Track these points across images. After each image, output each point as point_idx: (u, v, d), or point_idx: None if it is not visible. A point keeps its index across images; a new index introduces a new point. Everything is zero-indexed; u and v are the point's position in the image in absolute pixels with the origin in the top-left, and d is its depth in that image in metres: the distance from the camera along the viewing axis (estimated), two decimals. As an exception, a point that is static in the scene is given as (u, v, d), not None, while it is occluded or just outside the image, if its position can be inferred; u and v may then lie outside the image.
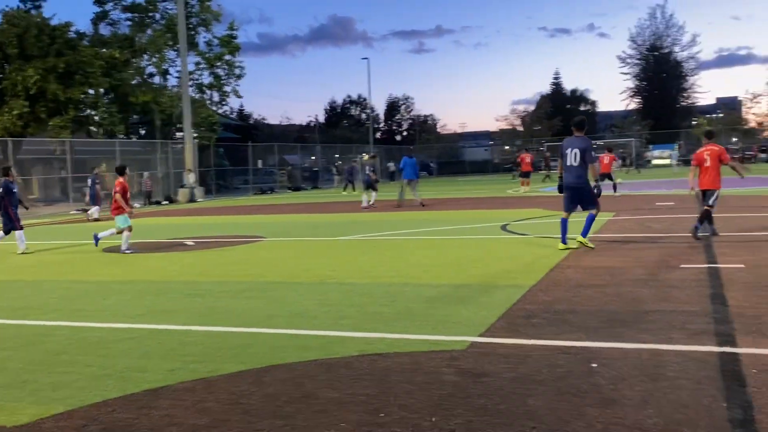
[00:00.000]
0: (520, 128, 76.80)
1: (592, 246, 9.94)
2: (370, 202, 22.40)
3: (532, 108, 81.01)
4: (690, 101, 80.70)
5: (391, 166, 55.18)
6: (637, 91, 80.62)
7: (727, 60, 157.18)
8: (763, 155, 55.90)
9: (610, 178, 22.10)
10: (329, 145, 63.91)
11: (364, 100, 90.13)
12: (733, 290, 6.64)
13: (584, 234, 10.02)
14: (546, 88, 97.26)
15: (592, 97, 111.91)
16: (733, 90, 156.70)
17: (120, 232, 12.56)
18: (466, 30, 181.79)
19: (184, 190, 35.01)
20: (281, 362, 4.97)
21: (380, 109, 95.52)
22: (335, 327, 5.98)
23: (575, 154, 9.81)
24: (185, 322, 6.43)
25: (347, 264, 9.83)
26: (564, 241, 9.97)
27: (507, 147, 78.57)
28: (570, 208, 10.13)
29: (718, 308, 5.96)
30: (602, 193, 10.84)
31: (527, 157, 30.68)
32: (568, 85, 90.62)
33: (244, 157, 44.78)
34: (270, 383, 4.51)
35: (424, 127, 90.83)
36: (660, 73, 78.58)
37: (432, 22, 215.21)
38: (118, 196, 12.46)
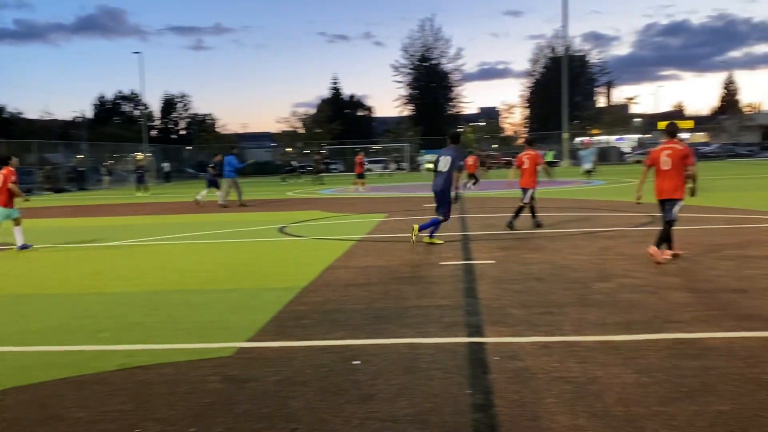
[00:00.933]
0: (302, 131, 77.61)
1: (418, 240, 10.66)
2: (200, 200, 22.65)
3: (313, 111, 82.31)
4: (456, 110, 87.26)
5: (166, 166, 52.92)
6: (409, 99, 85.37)
7: (488, 73, 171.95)
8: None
9: (476, 177, 27.16)
10: (98, 143, 59.65)
11: (137, 96, 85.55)
12: (483, 284, 7.27)
13: (421, 228, 10.69)
14: (326, 92, 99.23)
15: (369, 102, 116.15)
16: (492, 101, 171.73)
17: None
18: (247, 30, 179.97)
19: None
20: (26, 383, 4.53)
21: (155, 106, 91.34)
22: (92, 341, 5.58)
23: (447, 161, 10.60)
24: None
25: (110, 272, 9.23)
26: (431, 235, 10.77)
27: (288, 149, 78.99)
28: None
29: (470, 301, 6.48)
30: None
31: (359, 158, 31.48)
32: (346, 91, 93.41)
33: (-7, 154, 40.13)
34: (11, 406, 4.10)
35: (202, 126, 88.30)
36: (430, 82, 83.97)
37: (211, 19, 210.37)
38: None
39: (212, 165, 24.03)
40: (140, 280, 8.48)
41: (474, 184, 27.30)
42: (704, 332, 5.13)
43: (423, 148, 70.87)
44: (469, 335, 5.31)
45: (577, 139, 60.88)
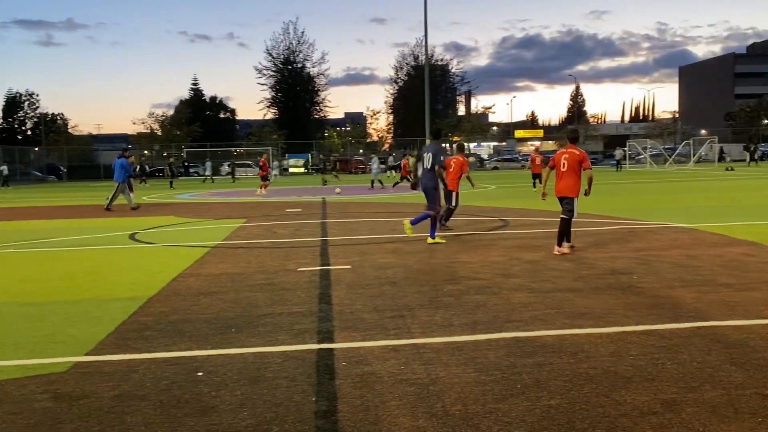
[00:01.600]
0: (160, 132, 74.78)
1: (410, 235, 11.16)
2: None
3: (171, 112, 79.53)
4: (322, 114, 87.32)
5: (4, 169, 49.12)
6: (273, 102, 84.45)
7: (354, 78, 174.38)
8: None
9: (408, 180, 28.58)
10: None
11: (-25, 93, 78.85)
12: (338, 290, 7.29)
13: (413, 222, 11.09)
14: (186, 93, 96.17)
15: (231, 104, 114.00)
16: (358, 106, 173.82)
17: None
18: (102, 26, 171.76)
19: None
20: None
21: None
22: None
23: (429, 158, 10.95)
24: None
25: (-65, 284, 8.41)
26: (433, 236, 11.00)
27: (146, 151, 75.85)
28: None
29: (324, 307, 6.47)
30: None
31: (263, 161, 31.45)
32: (208, 92, 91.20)
33: None
34: None
35: (52, 126, 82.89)
36: (294, 86, 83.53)
37: (62, 14, 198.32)
38: None
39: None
40: (-32, 292, 7.79)
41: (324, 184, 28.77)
42: (540, 330, 5.42)
43: (287, 152, 70.43)
44: (319, 342, 5.30)
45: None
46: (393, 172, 52.43)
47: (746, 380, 4.17)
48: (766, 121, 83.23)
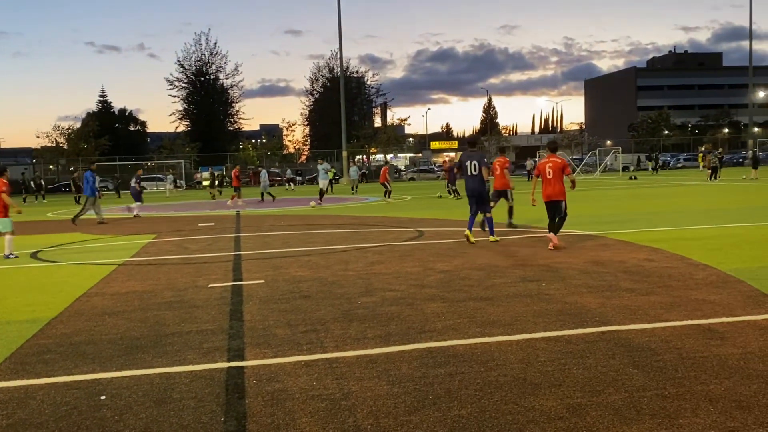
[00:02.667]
0: (66, 146, 71.81)
1: (497, 239, 11.86)
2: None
3: (78, 125, 76.55)
4: (236, 126, 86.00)
5: None
6: (185, 114, 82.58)
7: (269, 90, 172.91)
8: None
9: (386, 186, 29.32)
10: None
11: None
12: (250, 305, 7.15)
13: (491, 232, 11.97)
14: (94, 105, 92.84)
15: (142, 117, 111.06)
16: (274, 118, 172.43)
17: None
18: (3, 36, 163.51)
19: None
20: None
21: None
22: None
23: (474, 164, 11.63)
24: None
25: None
26: (470, 228, 11.87)
27: (51, 166, 72.66)
28: (474, 209, 11.99)
29: (235, 324, 6.33)
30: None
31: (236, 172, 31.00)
32: (117, 104, 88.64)
33: None
34: None
35: (-54, 140, 78.31)
36: (207, 97, 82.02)
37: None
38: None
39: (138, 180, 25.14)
40: None
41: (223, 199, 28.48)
42: (452, 340, 5.48)
43: (201, 164, 68.97)
44: (229, 360, 5.17)
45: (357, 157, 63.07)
46: (291, 184, 52.18)
47: (648, 382, 4.33)
48: (666, 132, 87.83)
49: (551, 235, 10.75)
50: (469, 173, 11.80)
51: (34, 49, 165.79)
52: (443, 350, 5.21)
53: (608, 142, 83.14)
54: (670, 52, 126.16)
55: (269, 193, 31.33)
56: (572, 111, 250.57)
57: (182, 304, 7.33)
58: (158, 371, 4.91)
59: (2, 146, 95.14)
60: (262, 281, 8.64)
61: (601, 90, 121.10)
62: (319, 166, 29.77)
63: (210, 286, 8.48)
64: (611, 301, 6.74)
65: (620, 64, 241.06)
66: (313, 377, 4.65)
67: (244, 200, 30.41)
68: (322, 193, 28.47)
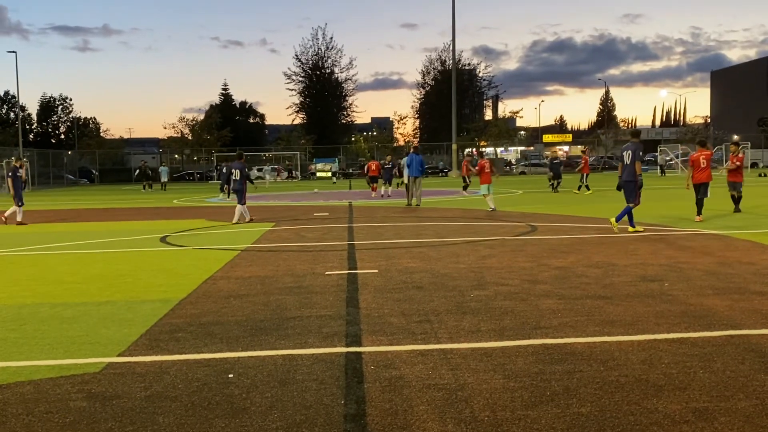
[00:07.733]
0: (190, 137, 75.67)
1: (615, 228, 12.39)
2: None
3: (201, 117, 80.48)
4: (349, 119, 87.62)
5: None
6: (301, 107, 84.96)
7: (382, 83, 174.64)
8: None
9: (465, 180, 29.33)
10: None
11: (13, 97, 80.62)
12: (365, 293, 7.32)
13: (617, 219, 12.44)
14: (216, 98, 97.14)
15: (261, 110, 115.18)
16: (385, 111, 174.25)
17: None
18: (136, 32, 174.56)
19: None
20: None
21: (33, 109, 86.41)
22: (-57, 359, 5.18)
23: (629, 155, 12.15)
24: None
25: (-27, 284, 8.61)
26: (632, 225, 12.43)
27: (177, 156, 76.75)
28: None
29: (351, 311, 6.50)
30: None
31: (373, 164, 30.66)
32: (238, 97, 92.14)
33: None
34: None
35: (84, 130, 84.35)
36: (322, 91, 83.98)
37: (99, 20, 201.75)
38: None
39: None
40: (7, 292, 7.97)
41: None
42: (570, 337, 5.39)
43: (315, 156, 70.75)
44: (348, 345, 5.32)
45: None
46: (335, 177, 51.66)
47: (781, 390, 4.10)
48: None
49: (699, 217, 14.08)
50: (624, 162, 12.33)
51: (164, 44, 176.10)
52: (560, 347, 5.13)
53: (735, 137, 78.27)
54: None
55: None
56: (697, 104, 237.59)
57: (301, 290, 7.60)
58: (281, 353, 5.13)
59: (132, 136, 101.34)
60: (376, 271, 8.80)
61: (730, 82, 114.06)
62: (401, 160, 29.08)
63: (327, 273, 8.73)
64: (740, 304, 6.40)
65: (752, 54, 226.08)
66: (428, 366, 4.72)
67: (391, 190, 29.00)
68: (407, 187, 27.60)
